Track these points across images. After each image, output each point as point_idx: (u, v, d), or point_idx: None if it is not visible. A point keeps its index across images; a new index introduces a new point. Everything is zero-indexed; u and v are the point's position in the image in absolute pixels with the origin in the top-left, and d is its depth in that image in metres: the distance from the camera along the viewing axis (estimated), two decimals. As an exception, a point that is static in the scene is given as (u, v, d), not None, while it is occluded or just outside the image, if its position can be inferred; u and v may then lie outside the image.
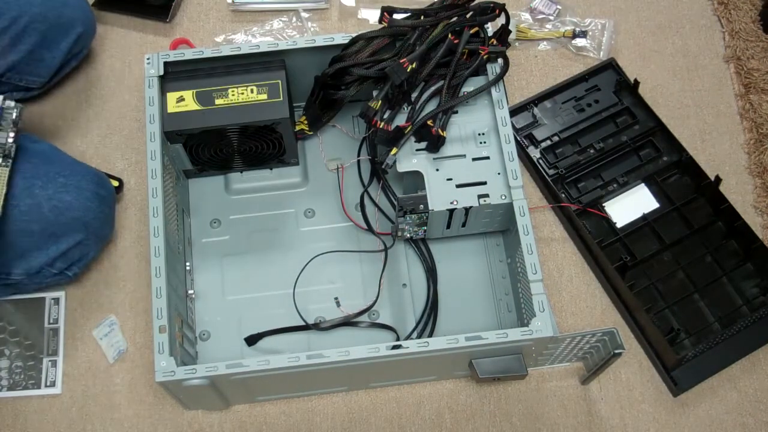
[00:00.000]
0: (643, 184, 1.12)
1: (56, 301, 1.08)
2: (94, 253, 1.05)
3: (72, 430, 1.02)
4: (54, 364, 1.05)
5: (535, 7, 1.26)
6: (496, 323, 1.04)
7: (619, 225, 1.09)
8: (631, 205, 1.11)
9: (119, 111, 1.20)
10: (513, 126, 1.11)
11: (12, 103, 0.94)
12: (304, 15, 1.26)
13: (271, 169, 1.12)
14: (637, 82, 1.15)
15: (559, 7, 1.26)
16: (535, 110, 1.16)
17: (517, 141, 1.13)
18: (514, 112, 1.16)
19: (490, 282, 1.07)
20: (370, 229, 1.07)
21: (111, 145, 1.18)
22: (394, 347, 0.88)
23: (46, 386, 1.04)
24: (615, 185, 1.12)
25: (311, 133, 1.11)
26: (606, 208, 1.11)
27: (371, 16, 1.25)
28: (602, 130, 1.15)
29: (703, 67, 1.24)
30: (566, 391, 1.04)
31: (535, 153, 1.14)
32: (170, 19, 1.24)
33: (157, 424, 1.02)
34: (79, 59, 1.17)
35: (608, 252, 1.07)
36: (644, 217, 1.10)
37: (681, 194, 1.11)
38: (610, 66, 1.19)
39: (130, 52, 1.24)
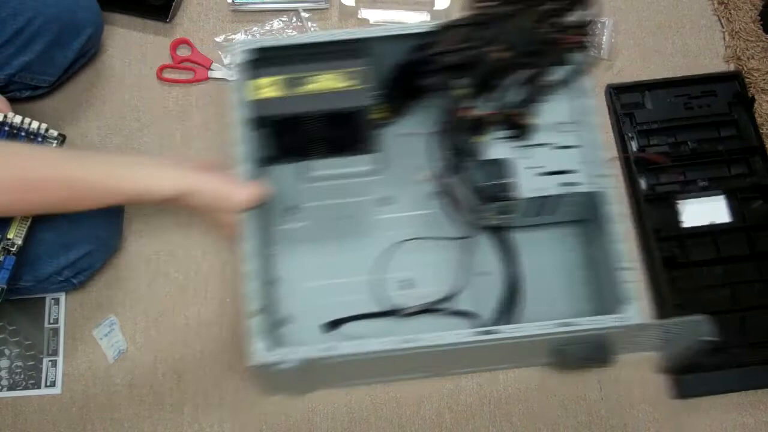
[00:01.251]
0: (723, 196, 1.11)
1: (56, 301, 1.08)
2: (101, 263, 1.07)
3: (72, 430, 1.02)
4: (54, 364, 1.05)
5: (535, 7, 1.26)
6: (577, 312, 1.02)
7: (684, 225, 1.09)
8: (704, 210, 1.10)
9: (119, 111, 1.20)
10: (616, 99, 1.16)
11: (55, 133, 0.94)
12: (304, 15, 1.26)
13: (350, 156, 1.10)
14: (753, 99, 1.15)
15: (559, 7, 1.26)
16: (647, 94, 1.17)
17: (616, 115, 1.16)
18: (625, 89, 1.18)
19: (570, 270, 1.05)
20: (451, 217, 1.05)
21: (111, 145, 1.18)
22: (487, 332, 0.86)
23: (46, 386, 1.04)
24: (694, 187, 1.12)
25: (392, 121, 1.10)
26: (678, 205, 1.11)
27: (371, 16, 1.25)
28: (702, 132, 1.15)
29: (703, 67, 1.24)
30: (566, 390, 1.04)
31: (628, 131, 1.15)
32: (170, 19, 1.24)
33: (157, 424, 1.02)
34: (88, 58, 1.19)
35: (662, 246, 1.07)
36: (711, 225, 1.09)
37: (757, 219, 1.10)
38: (735, 78, 1.19)
39: (129, 53, 1.23)
